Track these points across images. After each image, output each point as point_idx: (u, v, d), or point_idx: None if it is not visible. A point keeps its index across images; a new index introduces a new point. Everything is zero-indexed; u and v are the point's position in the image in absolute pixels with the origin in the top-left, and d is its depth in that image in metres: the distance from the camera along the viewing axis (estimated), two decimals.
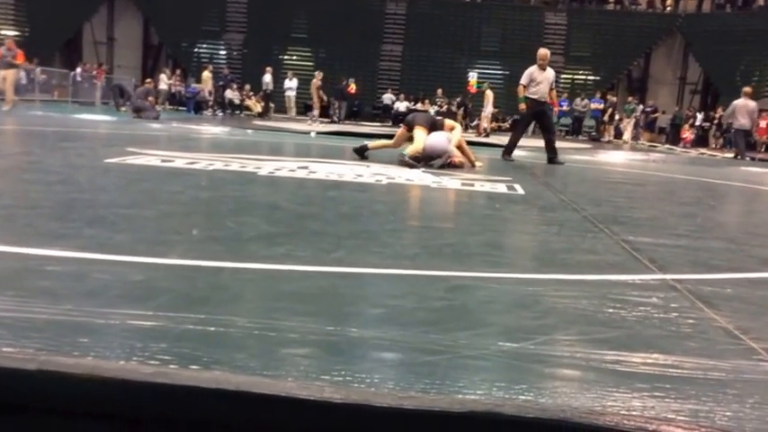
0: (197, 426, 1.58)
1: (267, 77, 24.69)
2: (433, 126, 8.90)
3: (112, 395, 1.56)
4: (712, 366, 1.95)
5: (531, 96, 10.81)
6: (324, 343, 1.94)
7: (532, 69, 10.91)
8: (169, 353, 1.75)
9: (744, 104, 16.62)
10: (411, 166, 8.05)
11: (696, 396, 1.72)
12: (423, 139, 8.59)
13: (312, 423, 1.56)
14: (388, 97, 29.03)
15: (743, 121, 16.78)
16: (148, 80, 19.45)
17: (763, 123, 23.34)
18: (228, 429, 1.57)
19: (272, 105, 26.01)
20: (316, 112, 22.43)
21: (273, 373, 1.68)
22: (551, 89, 10.97)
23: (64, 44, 31.79)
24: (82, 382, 1.53)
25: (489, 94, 21.40)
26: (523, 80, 10.92)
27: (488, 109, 21.33)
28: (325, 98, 23.62)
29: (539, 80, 10.78)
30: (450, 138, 8.64)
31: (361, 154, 9.00)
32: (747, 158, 17.13)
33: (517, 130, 11.68)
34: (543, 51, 11.14)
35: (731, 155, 18.27)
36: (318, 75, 23.12)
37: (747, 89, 17.28)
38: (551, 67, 11.23)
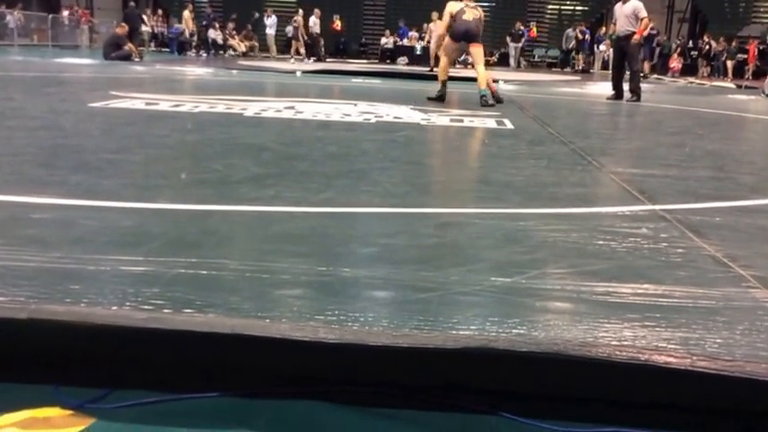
0: (192, 369, 1.59)
1: (313, 19, 23.30)
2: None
3: (106, 341, 1.56)
4: (702, 295, 1.97)
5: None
6: (316, 283, 1.95)
7: (617, 5, 10.19)
8: (162, 297, 1.75)
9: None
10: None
11: (686, 324, 1.74)
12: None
13: (307, 364, 1.57)
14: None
15: None
16: (122, 24, 18.62)
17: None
18: (224, 372, 1.58)
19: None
20: (302, 50, 22.25)
21: (267, 314, 1.68)
22: (638, 21, 9.86)
23: None
24: (74, 330, 1.53)
25: (439, 23, 20.56)
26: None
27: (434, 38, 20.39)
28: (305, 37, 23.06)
29: (617, 15, 10.17)
30: None
31: (441, 99, 8.66)
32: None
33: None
34: None
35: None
36: (301, 13, 22.78)
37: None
38: None
